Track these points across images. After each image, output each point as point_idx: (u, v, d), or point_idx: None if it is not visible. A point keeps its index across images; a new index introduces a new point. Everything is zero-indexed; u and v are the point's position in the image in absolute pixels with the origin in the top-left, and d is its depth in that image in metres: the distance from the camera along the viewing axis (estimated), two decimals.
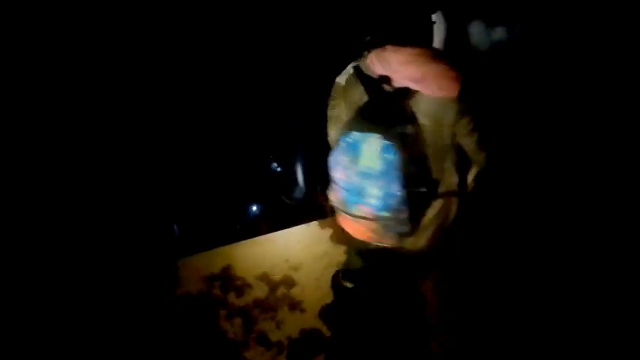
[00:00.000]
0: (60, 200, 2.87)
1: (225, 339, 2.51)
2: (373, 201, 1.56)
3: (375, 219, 1.60)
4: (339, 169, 1.60)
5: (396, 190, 1.53)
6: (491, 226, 2.72)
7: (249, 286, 2.81)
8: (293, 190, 3.19)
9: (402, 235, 1.70)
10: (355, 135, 1.55)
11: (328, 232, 3.19)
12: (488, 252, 2.69)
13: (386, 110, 1.59)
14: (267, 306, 2.71)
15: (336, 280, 2.58)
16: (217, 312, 2.65)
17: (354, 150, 1.54)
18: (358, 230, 1.71)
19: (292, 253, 3.03)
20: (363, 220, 1.62)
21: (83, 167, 3.01)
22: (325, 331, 2.59)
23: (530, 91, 2.49)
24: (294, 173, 3.13)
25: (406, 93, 1.59)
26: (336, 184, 1.65)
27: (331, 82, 1.83)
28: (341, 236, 3.17)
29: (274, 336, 2.54)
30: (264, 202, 3.29)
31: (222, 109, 3.36)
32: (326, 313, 2.68)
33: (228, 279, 2.83)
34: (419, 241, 1.91)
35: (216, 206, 3.18)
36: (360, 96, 1.68)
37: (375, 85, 1.63)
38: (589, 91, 2.35)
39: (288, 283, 2.85)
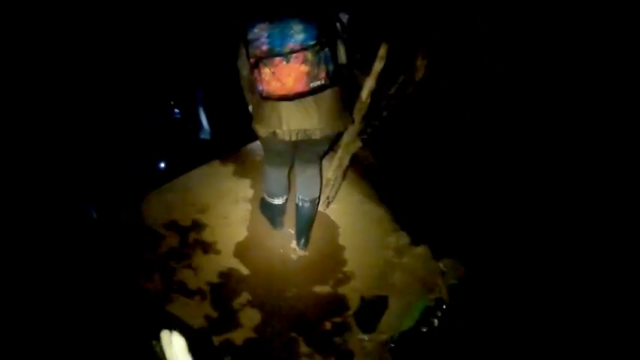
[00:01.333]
0: None
1: (147, 296, 2.63)
2: (298, 36, 1.95)
3: (305, 49, 1.96)
4: (257, 26, 1.97)
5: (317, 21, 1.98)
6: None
7: (161, 236, 2.88)
8: (198, 131, 3.18)
9: (332, 72, 2.05)
10: None
11: (230, 168, 3.28)
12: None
13: None
14: (181, 254, 2.83)
15: None
16: (134, 269, 2.73)
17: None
18: (294, 77, 2.01)
19: (197, 196, 3.10)
20: (295, 60, 1.97)
21: None
22: (243, 269, 2.81)
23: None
24: (197, 115, 3.10)
25: None
26: (256, 40, 1.97)
27: None
28: (243, 171, 3.28)
29: (194, 283, 2.72)
30: (165, 148, 3.25)
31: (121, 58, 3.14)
32: (240, 251, 2.88)
33: (137, 231, 2.87)
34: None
35: (118, 159, 3.10)
36: None
37: None
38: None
39: (198, 226, 2.97)
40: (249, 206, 3.12)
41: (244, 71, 2.28)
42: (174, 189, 3.10)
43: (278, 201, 2.85)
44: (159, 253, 2.81)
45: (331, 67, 2.05)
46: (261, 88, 2.06)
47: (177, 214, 2.99)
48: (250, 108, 2.43)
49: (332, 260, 2.94)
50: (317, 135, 2.27)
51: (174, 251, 2.84)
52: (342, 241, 3.03)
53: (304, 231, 2.89)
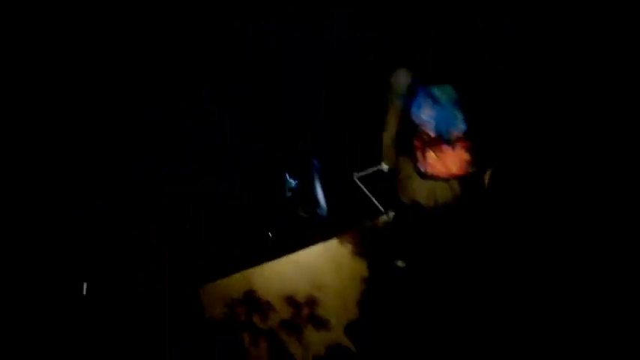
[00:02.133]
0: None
1: None
2: (460, 124, 2.10)
3: (466, 139, 2.10)
4: (425, 108, 2.11)
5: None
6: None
7: (273, 308, 2.78)
8: (312, 206, 3.17)
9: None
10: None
11: (348, 248, 3.16)
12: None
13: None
14: (292, 327, 2.68)
15: (388, 263, 2.82)
16: (242, 336, 2.63)
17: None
18: (458, 164, 2.14)
19: (314, 271, 3.00)
20: (460, 147, 2.10)
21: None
22: (353, 348, 2.55)
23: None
24: (312, 189, 3.12)
25: None
26: (423, 125, 2.12)
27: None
28: (362, 250, 3.14)
29: (301, 357, 2.51)
30: (281, 221, 3.28)
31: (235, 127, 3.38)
32: (352, 329, 2.64)
33: (251, 302, 2.81)
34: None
35: (235, 230, 3.18)
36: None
37: None
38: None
39: (312, 302, 2.82)
40: (366, 286, 2.92)
41: (388, 139, 2.42)
42: (289, 262, 3.04)
43: None
44: (269, 324, 2.69)
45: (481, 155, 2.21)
46: (424, 169, 2.23)
47: (292, 287, 2.89)
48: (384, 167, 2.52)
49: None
50: None
51: (285, 323, 2.70)
52: None
53: None
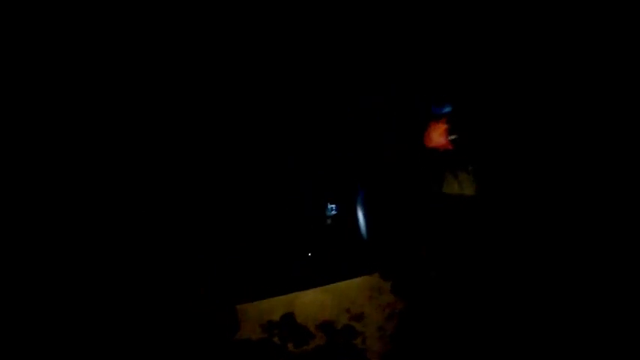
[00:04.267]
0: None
1: None
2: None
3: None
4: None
5: None
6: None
7: (310, 334, 2.72)
8: (355, 235, 3.14)
9: None
10: None
11: (390, 284, 3.08)
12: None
13: None
14: (328, 355, 2.59)
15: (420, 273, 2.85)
16: (275, 359, 2.57)
17: None
18: (436, 132, 2.49)
19: (354, 303, 2.92)
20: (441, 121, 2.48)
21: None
22: None
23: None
24: (355, 218, 3.10)
25: None
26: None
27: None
28: (404, 288, 3.05)
29: None
30: (322, 251, 3.26)
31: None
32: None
33: (287, 326, 2.76)
34: None
35: (277, 254, 3.18)
36: None
37: None
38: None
39: (350, 332, 2.74)
40: (405, 322, 2.81)
41: None
42: (330, 291, 2.99)
43: None
44: (304, 349, 2.61)
45: None
46: None
47: (331, 315, 2.82)
48: None
49: None
50: None
51: (321, 350, 2.62)
52: None
53: None
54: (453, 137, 2.40)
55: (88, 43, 2.83)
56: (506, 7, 2.43)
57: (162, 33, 2.90)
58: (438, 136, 2.44)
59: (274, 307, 2.89)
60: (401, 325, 2.79)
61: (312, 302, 2.93)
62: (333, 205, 3.12)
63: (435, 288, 2.76)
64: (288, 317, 2.82)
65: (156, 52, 2.95)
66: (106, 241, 2.83)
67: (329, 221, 3.13)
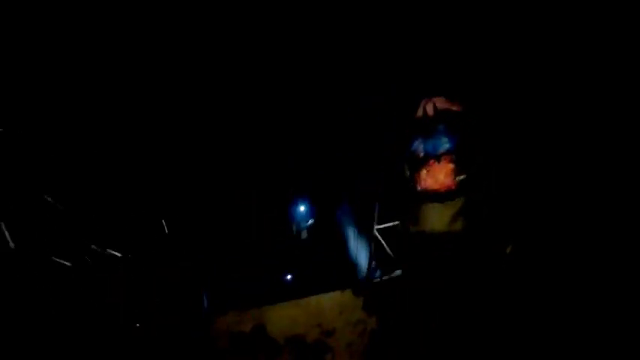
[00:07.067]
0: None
1: None
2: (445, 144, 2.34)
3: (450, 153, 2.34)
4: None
5: None
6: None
7: (280, 348, 2.70)
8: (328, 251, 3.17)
9: None
10: None
11: (362, 300, 3.09)
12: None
13: None
14: None
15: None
16: None
17: None
18: (441, 172, 2.33)
19: (326, 318, 2.92)
20: (444, 160, 2.33)
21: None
22: None
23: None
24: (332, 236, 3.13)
25: None
26: (415, 149, 2.41)
27: None
28: (376, 305, 3.07)
29: None
30: (298, 265, 3.26)
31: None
32: None
33: (258, 339, 2.73)
34: None
35: (250, 268, 3.17)
36: None
37: None
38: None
39: (321, 348, 2.73)
40: (376, 339, 2.82)
41: None
42: (301, 305, 2.98)
43: None
44: None
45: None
46: (419, 187, 2.42)
47: (302, 330, 2.81)
48: None
49: None
50: None
51: None
52: None
53: None
54: (461, 178, 2.29)
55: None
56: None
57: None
58: (444, 177, 2.30)
59: (245, 319, 2.86)
60: (372, 341, 2.80)
61: (284, 316, 2.91)
62: (310, 220, 3.15)
63: (407, 302, 2.79)
64: (259, 330, 2.79)
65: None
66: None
67: (304, 234, 3.15)
